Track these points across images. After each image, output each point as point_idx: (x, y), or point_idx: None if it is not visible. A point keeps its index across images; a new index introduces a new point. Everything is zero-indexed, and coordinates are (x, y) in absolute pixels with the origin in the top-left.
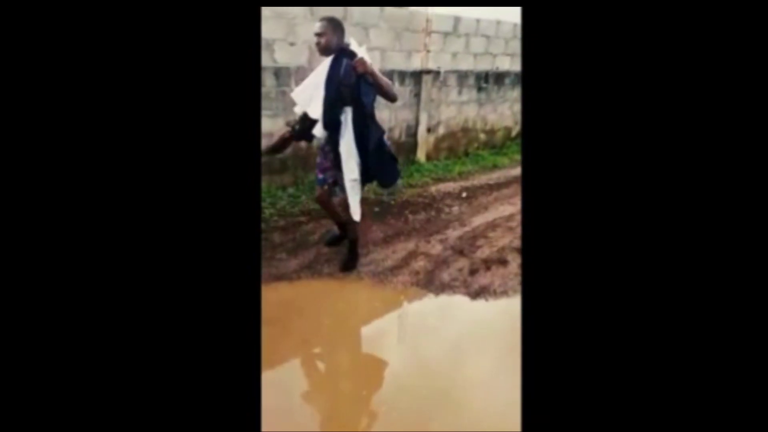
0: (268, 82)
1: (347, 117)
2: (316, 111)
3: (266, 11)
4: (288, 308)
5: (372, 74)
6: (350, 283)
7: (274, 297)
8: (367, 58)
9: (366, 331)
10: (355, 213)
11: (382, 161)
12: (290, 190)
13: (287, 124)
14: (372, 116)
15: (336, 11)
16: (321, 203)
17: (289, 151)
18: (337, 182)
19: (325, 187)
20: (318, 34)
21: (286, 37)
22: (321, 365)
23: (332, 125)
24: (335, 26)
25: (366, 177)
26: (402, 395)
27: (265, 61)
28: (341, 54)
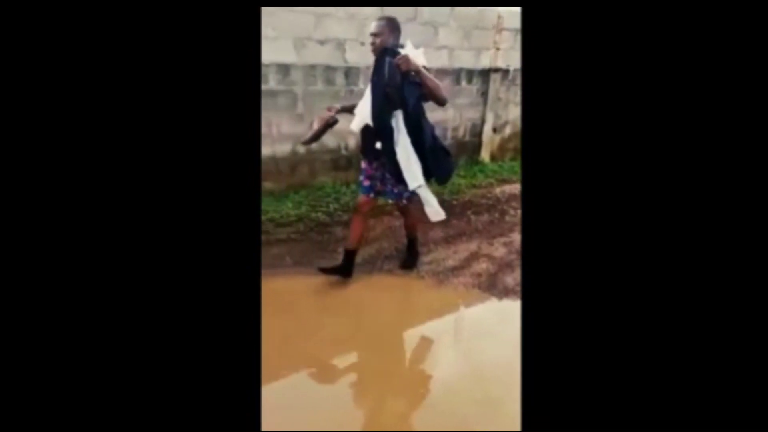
0: (338, 81)
1: (398, 121)
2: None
3: (339, 12)
4: (344, 301)
5: (417, 72)
6: (410, 281)
7: (333, 289)
8: (422, 59)
9: (421, 330)
10: (438, 213)
11: (437, 158)
12: (353, 187)
13: (329, 109)
14: (423, 115)
15: (405, 11)
16: (359, 214)
17: (353, 147)
18: (381, 192)
19: (371, 195)
20: (374, 35)
21: (357, 37)
22: (368, 362)
23: (384, 132)
24: (393, 27)
25: (426, 177)
26: (449, 399)
27: (336, 61)
28: (384, 54)
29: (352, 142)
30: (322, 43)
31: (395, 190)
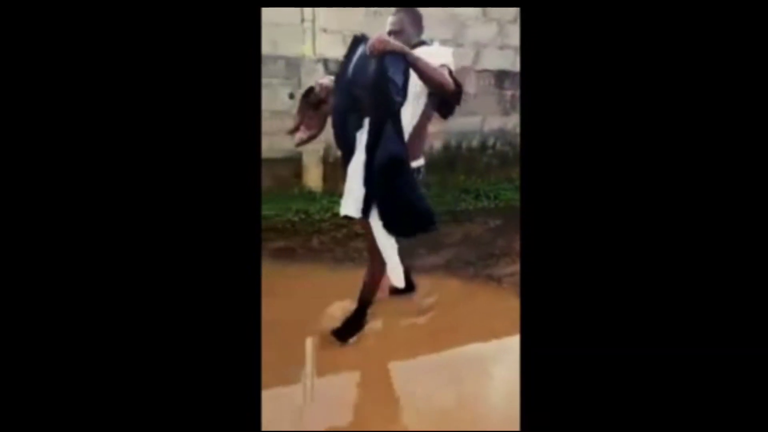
0: None
1: (363, 132)
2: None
3: (439, 12)
4: (410, 305)
5: (403, 55)
6: (488, 289)
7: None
8: (449, 59)
9: (488, 346)
10: (397, 277)
11: (392, 192)
12: (434, 189)
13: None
14: (390, 125)
15: (508, 12)
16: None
17: (438, 150)
18: None
19: None
20: (392, 32)
21: (455, 39)
22: (426, 369)
23: (345, 147)
24: (413, 19)
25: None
26: (500, 422)
27: None
28: (356, 44)
29: (437, 143)
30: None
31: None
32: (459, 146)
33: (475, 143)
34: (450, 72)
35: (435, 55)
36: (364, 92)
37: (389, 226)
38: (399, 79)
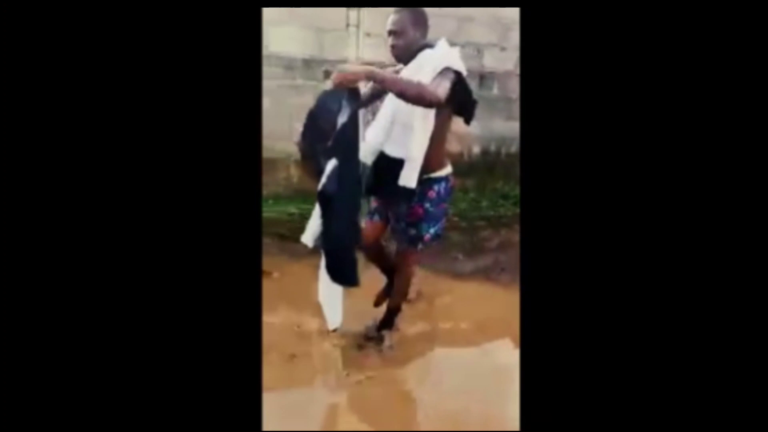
0: (471, 85)
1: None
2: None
3: (483, 15)
4: (445, 307)
5: (373, 79)
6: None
7: (446, 291)
8: (455, 60)
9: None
10: (333, 319)
11: (324, 230)
12: (472, 194)
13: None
14: (347, 143)
15: None
16: (366, 248)
17: (476, 155)
18: (392, 227)
19: (375, 219)
20: (393, 33)
21: (499, 42)
22: (449, 374)
23: (316, 173)
24: (416, 19)
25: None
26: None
27: (472, 65)
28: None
29: (476, 148)
30: (462, 46)
31: (410, 232)
32: (498, 151)
33: (513, 149)
34: (458, 75)
35: (438, 59)
36: (329, 124)
37: (326, 264)
38: (335, 113)
